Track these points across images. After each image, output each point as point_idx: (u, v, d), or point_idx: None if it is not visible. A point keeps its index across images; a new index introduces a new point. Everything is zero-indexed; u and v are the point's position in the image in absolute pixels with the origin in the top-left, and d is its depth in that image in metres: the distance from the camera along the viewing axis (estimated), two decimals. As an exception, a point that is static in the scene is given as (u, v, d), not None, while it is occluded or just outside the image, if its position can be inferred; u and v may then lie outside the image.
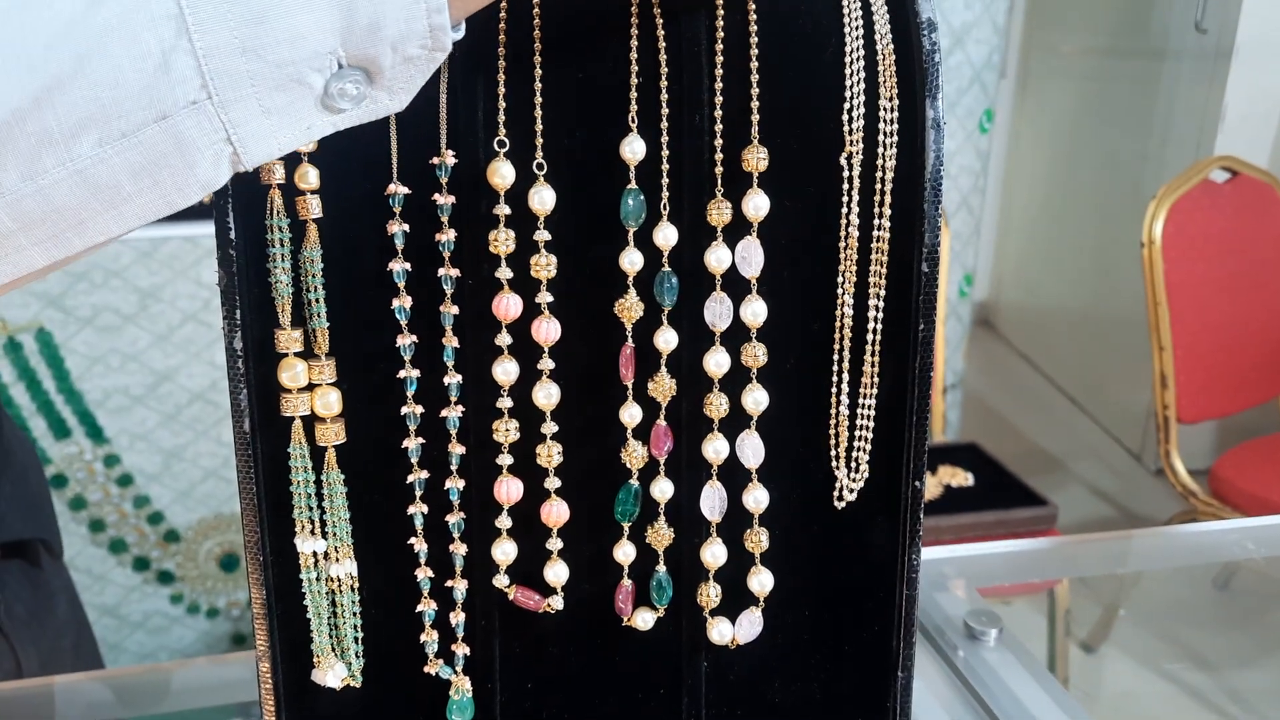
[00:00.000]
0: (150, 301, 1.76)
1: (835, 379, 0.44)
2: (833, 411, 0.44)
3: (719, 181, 0.42)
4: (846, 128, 0.42)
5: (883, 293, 0.43)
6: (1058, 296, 3.18)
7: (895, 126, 0.42)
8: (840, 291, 0.43)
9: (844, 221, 0.43)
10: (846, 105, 0.42)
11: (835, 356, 0.44)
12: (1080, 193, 3.02)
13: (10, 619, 0.74)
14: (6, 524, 0.74)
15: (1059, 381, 3.13)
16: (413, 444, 0.44)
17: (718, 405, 0.44)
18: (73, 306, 1.75)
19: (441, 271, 0.42)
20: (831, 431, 0.45)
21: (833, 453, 0.45)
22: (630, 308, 0.43)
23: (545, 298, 0.42)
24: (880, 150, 0.42)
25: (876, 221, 0.43)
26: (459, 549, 0.45)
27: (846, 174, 0.42)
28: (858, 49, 0.42)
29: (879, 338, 0.43)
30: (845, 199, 0.43)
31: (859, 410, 0.44)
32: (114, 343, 1.78)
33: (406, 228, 0.42)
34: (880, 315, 0.43)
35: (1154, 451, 2.50)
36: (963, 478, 1.73)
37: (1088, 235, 2.98)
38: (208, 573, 1.96)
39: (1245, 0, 2.30)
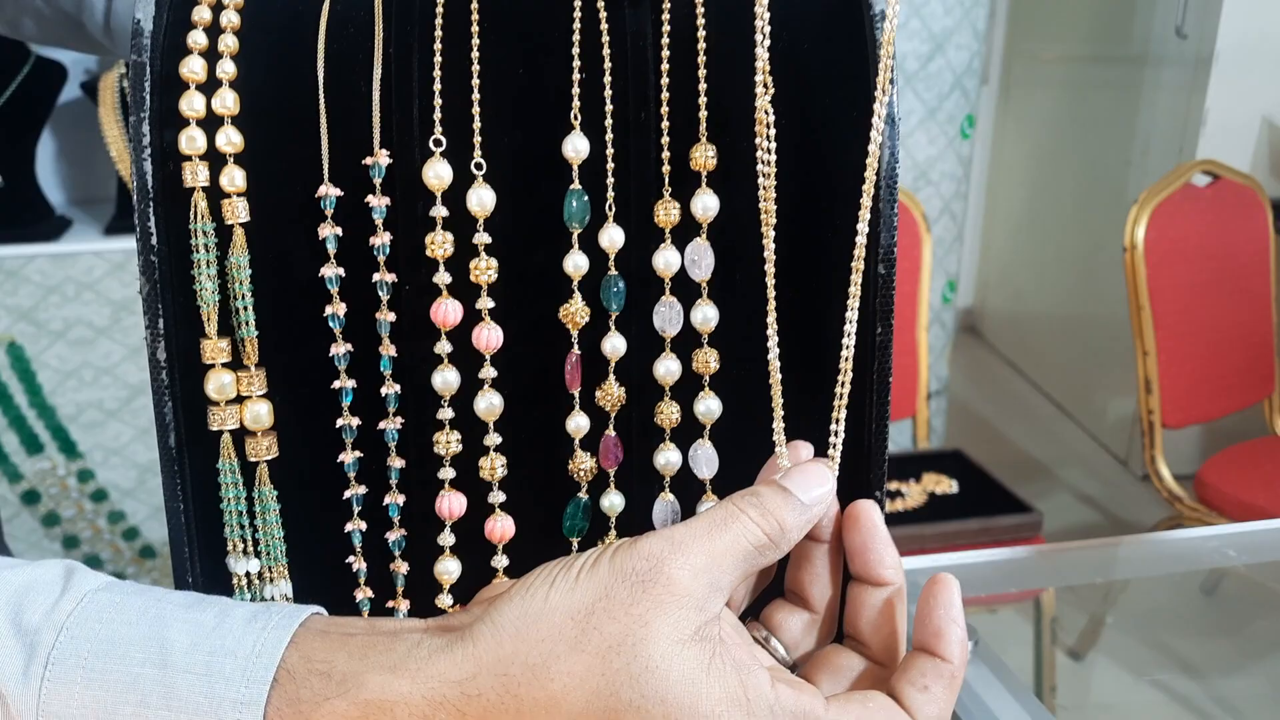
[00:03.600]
0: (123, 315, 1.74)
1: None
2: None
3: (666, 181, 0.41)
4: (764, 129, 0.40)
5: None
6: (1042, 302, 3.18)
7: (873, 123, 0.40)
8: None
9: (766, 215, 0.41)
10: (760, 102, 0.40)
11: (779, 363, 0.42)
12: (1063, 198, 3.01)
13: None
14: None
15: (1044, 387, 3.12)
16: (349, 458, 0.42)
17: (669, 414, 0.42)
18: (44, 320, 1.72)
19: (376, 277, 0.40)
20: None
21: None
22: (576, 313, 0.41)
23: (486, 303, 0.41)
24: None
25: (859, 229, 0.41)
26: (400, 568, 0.43)
27: (766, 171, 0.41)
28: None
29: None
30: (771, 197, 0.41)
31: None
32: (87, 356, 1.76)
33: (339, 231, 0.40)
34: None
35: (1140, 457, 2.49)
36: (947, 485, 1.72)
37: (1071, 240, 2.98)
38: (184, 589, 1.93)
39: (1225, 6, 2.30)
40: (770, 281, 0.39)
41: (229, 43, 0.39)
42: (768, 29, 0.39)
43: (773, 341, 0.39)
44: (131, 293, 1.73)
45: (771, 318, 0.39)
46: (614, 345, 0.42)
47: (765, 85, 0.40)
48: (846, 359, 0.39)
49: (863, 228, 0.40)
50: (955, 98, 2.06)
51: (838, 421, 0.40)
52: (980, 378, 3.26)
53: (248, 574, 0.42)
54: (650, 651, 0.31)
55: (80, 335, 1.75)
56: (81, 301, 1.73)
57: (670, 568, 0.32)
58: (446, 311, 0.40)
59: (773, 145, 0.40)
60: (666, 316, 0.41)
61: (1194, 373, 1.82)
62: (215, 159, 0.39)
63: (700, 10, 0.40)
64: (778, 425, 0.40)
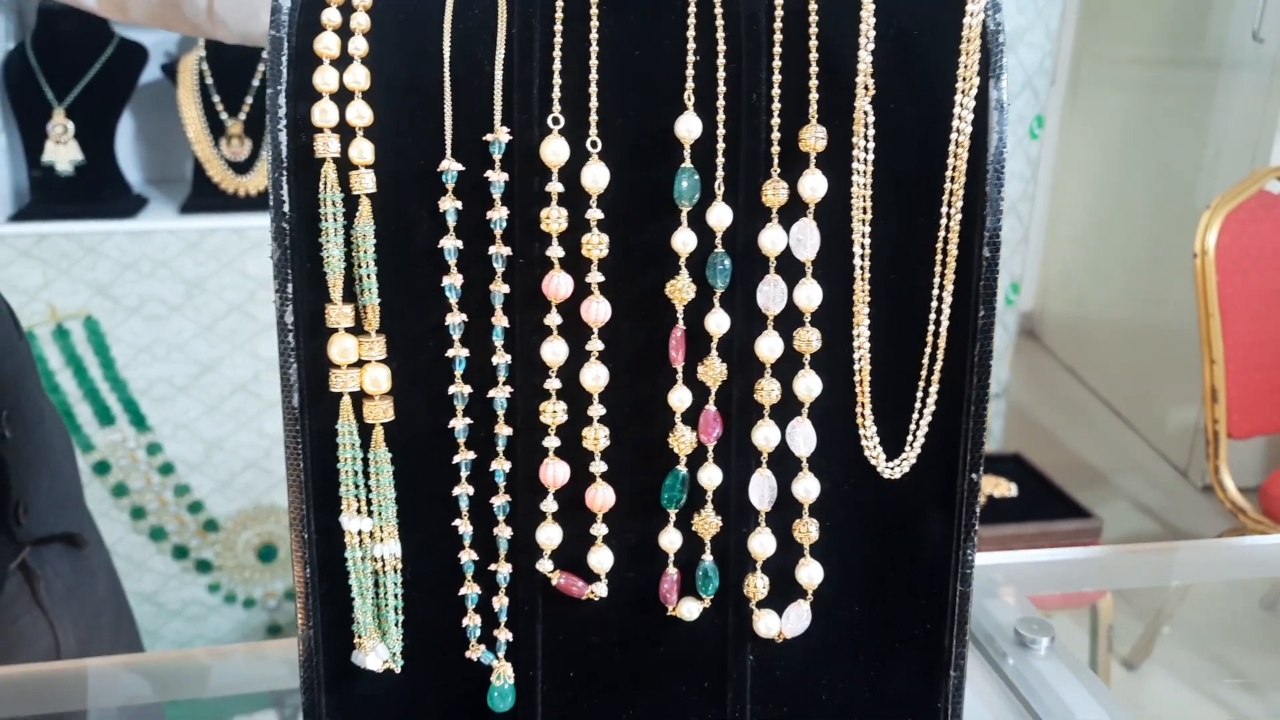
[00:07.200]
0: (196, 292, 1.78)
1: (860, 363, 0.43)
2: (862, 396, 0.43)
3: (775, 161, 0.42)
4: (863, 111, 0.41)
5: (951, 278, 0.42)
6: (1104, 308, 3.13)
7: (969, 109, 0.41)
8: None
9: (858, 202, 0.42)
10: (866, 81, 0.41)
11: (863, 340, 0.43)
12: (1130, 203, 2.97)
13: (50, 595, 0.75)
14: (42, 520, 0.74)
15: (1104, 394, 3.08)
16: (460, 424, 0.43)
17: (769, 391, 0.43)
18: (120, 295, 1.77)
19: (492, 249, 0.42)
20: (866, 414, 0.44)
21: (874, 438, 0.44)
22: (682, 289, 0.42)
23: (596, 277, 0.42)
24: (953, 134, 0.41)
25: (945, 211, 0.41)
26: (503, 532, 0.44)
27: (862, 154, 0.41)
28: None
29: (944, 324, 0.42)
30: (863, 173, 0.42)
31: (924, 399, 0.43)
32: (159, 332, 1.80)
33: (459, 204, 0.41)
34: (950, 302, 0.42)
35: (1200, 467, 2.44)
36: (1006, 488, 1.70)
37: (1137, 246, 2.93)
38: (245, 563, 1.97)
39: (1305, 9, 2.25)
40: (859, 265, 0.40)
41: (361, 20, 0.41)
42: (873, 33, 0.40)
43: (862, 325, 0.40)
44: (204, 271, 1.77)
45: (864, 309, 0.40)
46: (717, 322, 0.43)
47: (866, 87, 0.40)
48: (938, 349, 0.40)
49: (951, 211, 0.41)
50: (1025, 97, 2.04)
51: (922, 402, 0.40)
52: (1038, 382, 3.22)
53: (360, 532, 0.43)
54: None
55: (153, 311, 1.79)
56: (156, 278, 1.77)
57: None
58: (558, 285, 0.42)
59: (870, 145, 0.41)
60: (770, 295, 0.42)
61: (1262, 382, 1.78)
62: (345, 131, 0.40)
63: (814, -4, 0.41)
64: (864, 408, 0.40)
